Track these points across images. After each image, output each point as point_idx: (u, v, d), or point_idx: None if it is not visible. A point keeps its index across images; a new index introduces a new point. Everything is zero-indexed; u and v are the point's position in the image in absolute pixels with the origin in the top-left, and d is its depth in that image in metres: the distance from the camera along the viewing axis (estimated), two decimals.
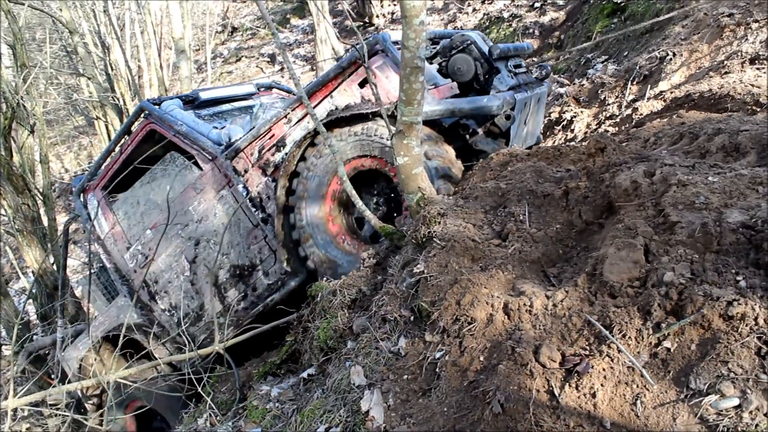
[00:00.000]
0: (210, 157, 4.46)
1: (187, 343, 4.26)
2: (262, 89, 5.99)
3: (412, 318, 2.61)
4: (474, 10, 12.86)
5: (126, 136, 5.00)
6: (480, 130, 4.11)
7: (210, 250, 4.59)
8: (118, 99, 13.02)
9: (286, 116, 4.23)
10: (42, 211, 7.56)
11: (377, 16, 15.02)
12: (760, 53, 5.68)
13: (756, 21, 6.13)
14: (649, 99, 6.38)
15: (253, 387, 3.53)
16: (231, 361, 3.82)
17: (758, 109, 4.89)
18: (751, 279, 1.97)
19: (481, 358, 2.22)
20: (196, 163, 4.61)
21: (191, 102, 5.10)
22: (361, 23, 15.14)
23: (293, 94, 6.00)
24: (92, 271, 5.81)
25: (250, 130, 4.43)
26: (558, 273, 2.48)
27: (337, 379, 2.71)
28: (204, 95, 5.23)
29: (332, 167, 4.04)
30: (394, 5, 14.93)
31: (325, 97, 4.11)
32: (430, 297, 2.51)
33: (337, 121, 4.00)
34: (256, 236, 4.44)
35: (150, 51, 13.22)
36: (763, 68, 5.52)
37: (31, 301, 8.42)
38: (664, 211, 2.30)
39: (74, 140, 19.50)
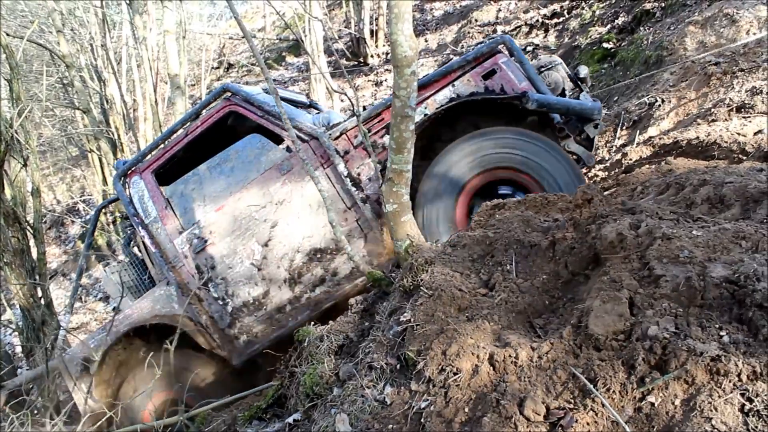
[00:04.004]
0: (307, 138, 4.48)
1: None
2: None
3: (398, 366, 2.60)
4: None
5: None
6: (572, 135, 4.30)
7: (288, 233, 4.50)
8: (112, 132, 13.09)
9: None
10: (31, 243, 7.51)
11: (372, 56, 15.25)
12: (746, 102, 5.79)
13: (741, 70, 6.27)
14: (638, 144, 6.47)
15: (238, 431, 3.49)
16: None
17: (744, 158, 4.96)
18: (735, 334, 1.99)
19: (466, 410, 2.21)
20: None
21: None
22: (356, 62, 15.36)
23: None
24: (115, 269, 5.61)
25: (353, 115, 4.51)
26: (544, 324, 2.49)
27: (322, 426, 2.68)
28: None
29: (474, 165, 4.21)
30: (389, 45, 15.13)
31: (447, 84, 4.21)
32: (417, 346, 2.51)
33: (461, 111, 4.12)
34: (347, 218, 4.41)
35: (146, 85, 13.30)
36: (749, 117, 5.62)
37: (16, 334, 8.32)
38: (649, 265, 2.32)
39: (67, 172, 19.50)
